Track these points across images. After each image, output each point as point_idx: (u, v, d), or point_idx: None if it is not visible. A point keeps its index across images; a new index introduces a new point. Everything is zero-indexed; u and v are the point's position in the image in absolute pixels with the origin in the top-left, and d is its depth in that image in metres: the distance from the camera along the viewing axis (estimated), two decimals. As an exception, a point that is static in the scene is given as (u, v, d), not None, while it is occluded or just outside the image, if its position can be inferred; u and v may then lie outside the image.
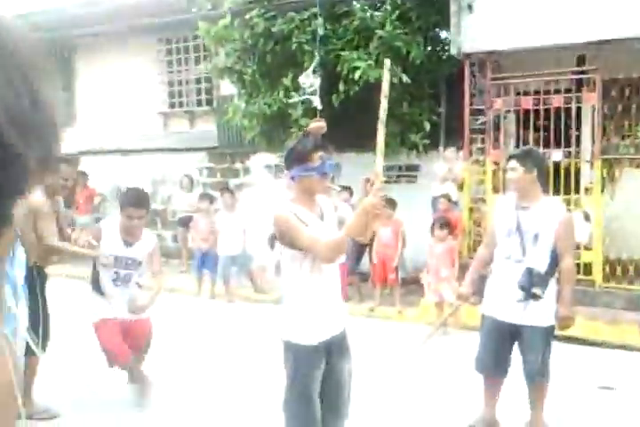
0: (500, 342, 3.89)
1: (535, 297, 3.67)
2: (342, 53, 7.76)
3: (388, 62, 2.88)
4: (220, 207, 8.99)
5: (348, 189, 8.07)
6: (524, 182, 3.77)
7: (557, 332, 3.89)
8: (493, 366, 3.96)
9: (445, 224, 6.82)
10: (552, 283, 3.75)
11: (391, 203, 7.46)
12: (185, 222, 9.80)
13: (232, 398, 4.70)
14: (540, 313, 3.73)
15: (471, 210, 7.67)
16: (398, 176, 9.12)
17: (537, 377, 3.85)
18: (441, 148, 8.41)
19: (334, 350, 3.01)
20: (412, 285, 7.66)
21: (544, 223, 3.72)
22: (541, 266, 3.71)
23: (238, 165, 10.77)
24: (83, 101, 13.41)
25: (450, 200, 7.58)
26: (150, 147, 11.71)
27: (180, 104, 12.19)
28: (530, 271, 3.68)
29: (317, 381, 2.96)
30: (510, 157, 3.91)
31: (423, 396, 4.80)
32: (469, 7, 7.13)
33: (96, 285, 4.38)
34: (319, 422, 2.98)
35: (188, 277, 9.36)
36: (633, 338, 5.98)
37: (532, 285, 3.67)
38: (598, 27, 6.42)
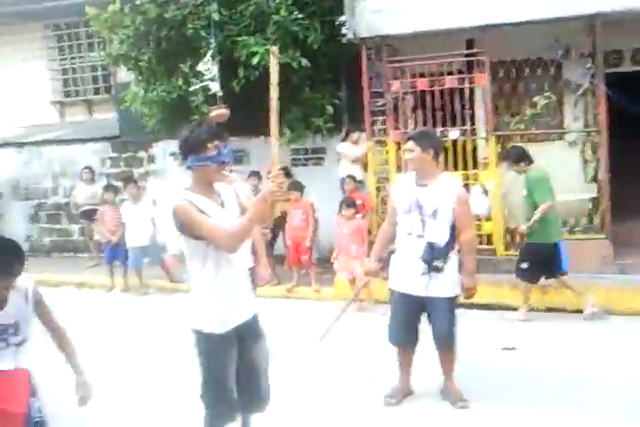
0: (409, 314, 4.09)
1: (437, 270, 3.89)
2: (239, 39, 7.68)
3: (275, 49, 2.93)
4: (126, 198, 8.80)
5: (256, 174, 8.10)
6: (422, 161, 3.97)
7: (462, 300, 4.14)
8: (404, 337, 4.17)
9: (352, 204, 6.97)
10: (453, 255, 3.99)
11: (298, 186, 7.58)
12: (89, 215, 9.56)
13: (153, 392, 4.71)
14: (443, 285, 3.96)
15: (377, 189, 7.88)
16: (305, 159, 9.23)
17: (445, 345, 4.11)
18: (344, 130, 8.57)
19: (246, 335, 3.05)
20: (328, 264, 7.83)
21: (442, 199, 3.92)
22: (441, 240, 3.92)
23: (142, 154, 10.51)
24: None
25: (355, 180, 7.76)
26: (47, 138, 11.23)
27: (77, 93, 11.72)
28: (430, 245, 3.90)
29: (230, 367, 3.00)
30: (408, 139, 4.08)
31: (342, 370, 4.99)
32: (363, -8, 7.21)
33: None
34: (236, 408, 3.06)
35: (99, 270, 9.18)
36: (532, 300, 6.43)
37: (433, 258, 3.89)
38: (485, 11, 6.66)
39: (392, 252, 4.26)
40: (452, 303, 4.04)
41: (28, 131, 11.75)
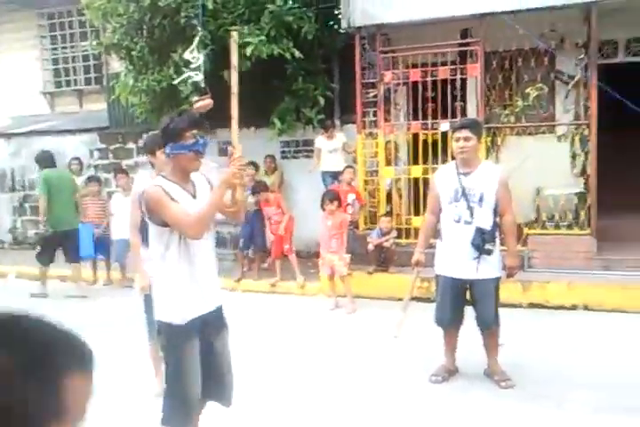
0: (457, 297, 4.27)
1: (488, 252, 4.08)
2: (232, 28, 7.60)
3: (234, 34, 3.04)
4: (116, 189, 8.66)
5: (253, 164, 8.07)
6: (475, 150, 4.14)
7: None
8: (453, 318, 4.33)
9: (334, 197, 6.80)
10: (497, 238, 4.16)
11: (263, 186, 7.59)
12: (75, 207, 9.38)
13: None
14: (491, 266, 4.14)
15: (366, 182, 7.79)
16: (295, 152, 9.14)
17: (492, 324, 4.26)
18: (337, 121, 8.50)
19: (208, 327, 2.99)
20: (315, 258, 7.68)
21: (486, 186, 4.08)
22: (488, 224, 4.10)
23: (131, 145, 10.41)
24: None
25: (336, 175, 7.81)
26: (36, 129, 11.11)
27: (68, 83, 11.62)
28: (480, 230, 4.08)
29: (192, 357, 2.93)
30: (461, 127, 4.11)
31: (390, 350, 5.07)
32: (358, -19, 7.17)
33: None
34: (196, 397, 2.96)
35: (82, 263, 8.98)
36: (516, 296, 6.29)
37: (484, 242, 4.06)
38: (480, 1, 6.64)
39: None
40: (497, 284, 4.22)
41: (17, 121, 11.64)
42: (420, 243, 4.44)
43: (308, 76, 8.17)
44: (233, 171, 2.83)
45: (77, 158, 10.09)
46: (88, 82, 11.44)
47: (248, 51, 7.42)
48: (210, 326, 2.99)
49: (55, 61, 11.64)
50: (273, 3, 7.55)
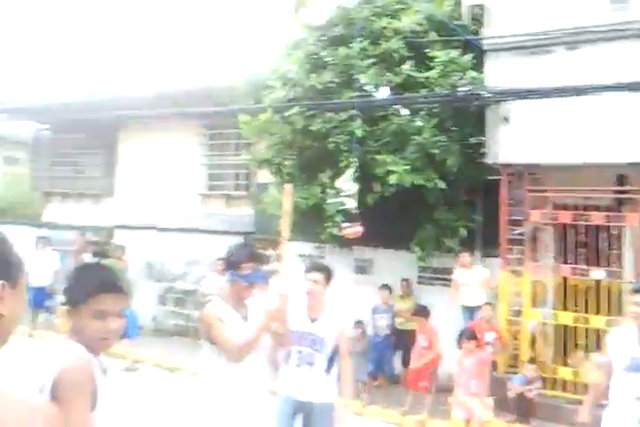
0: None
1: None
2: (378, 157, 7.76)
3: (289, 188, 3.69)
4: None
5: (387, 287, 8.07)
6: None
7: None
8: None
9: (472, 336, 6.54)
10: None
11: (423, 311, 7.39)
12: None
13: None
14: None
15: (509, 322, 7.42)
16: (432, 278, 8.98)
17: None
18: (477, 253, 8.30)
19: None
20: (447, 393, 7.36)
21: None
22: None
23: (270, 252, 10.73)
24: (123, 176, 13.67)
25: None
26: (187, 226, 11.83)
27: (219, 187, 12.36)
28: None
29: None
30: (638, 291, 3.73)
31: None
32: (505, 119, 7.12)
33: None
34: None
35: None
36: None
37: None
38: (638, 149, 6.32)
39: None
40: None
41: (170, 217, 12.43)
42: (586, 405, 4.05)
43: (450, 206, 8.12)
44: (278, 307, 3.19)
45: (222, 258, 10.54)
46: (236, 188, 12.08)
47: (392, 179, 7.53)
48: None
49: (210, 167, 12.44)
50: (419, 134, 7.63)
